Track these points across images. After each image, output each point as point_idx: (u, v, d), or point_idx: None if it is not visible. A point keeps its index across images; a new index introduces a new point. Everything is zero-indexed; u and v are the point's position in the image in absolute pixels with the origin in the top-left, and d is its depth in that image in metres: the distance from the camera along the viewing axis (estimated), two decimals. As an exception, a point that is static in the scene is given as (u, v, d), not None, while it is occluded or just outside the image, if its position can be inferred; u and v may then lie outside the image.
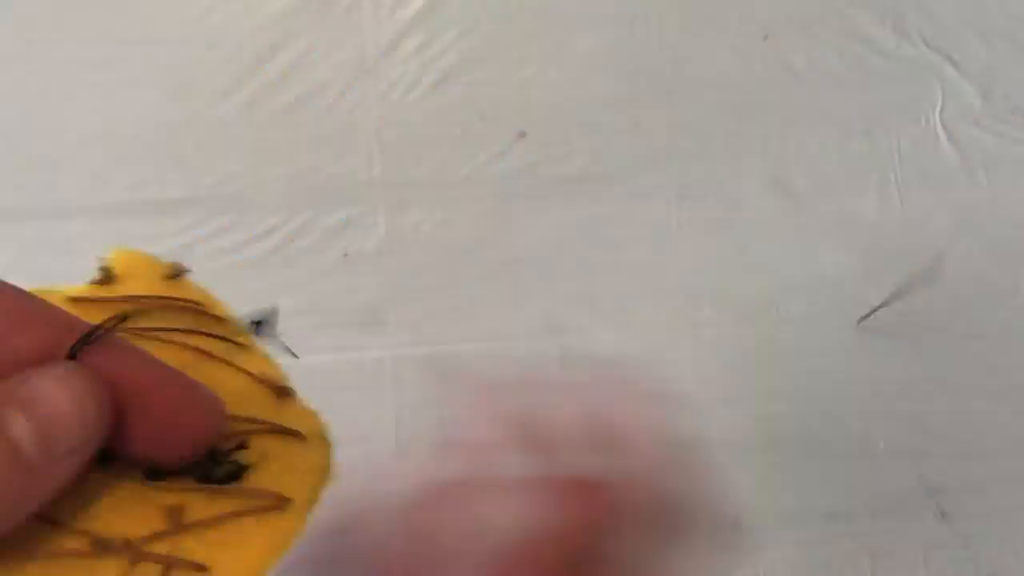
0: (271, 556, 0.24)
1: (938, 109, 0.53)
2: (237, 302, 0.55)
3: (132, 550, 0.22)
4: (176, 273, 0.30)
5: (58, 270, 0.53)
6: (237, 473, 0.24)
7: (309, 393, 0.54)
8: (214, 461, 0.23)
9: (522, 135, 0.51)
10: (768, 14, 0.52)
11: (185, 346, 0.26)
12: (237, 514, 0.23)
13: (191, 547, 0.23)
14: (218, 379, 0.26)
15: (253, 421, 0.25)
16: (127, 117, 0.50)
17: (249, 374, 0.27)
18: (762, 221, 0.52)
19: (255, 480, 0.24)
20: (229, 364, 0.27)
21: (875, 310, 0.51)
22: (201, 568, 0.23)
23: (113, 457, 0.22)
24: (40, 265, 0.50)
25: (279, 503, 0.23)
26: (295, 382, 0.56)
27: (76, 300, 0.26)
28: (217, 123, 0.50)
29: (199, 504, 0.23)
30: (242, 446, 0.24)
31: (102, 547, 0.22)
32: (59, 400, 0.21)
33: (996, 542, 0.53)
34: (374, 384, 0.51)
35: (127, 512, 0.23)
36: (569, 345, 0.52)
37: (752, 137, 0.52)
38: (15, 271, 0.52)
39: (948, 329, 0.53)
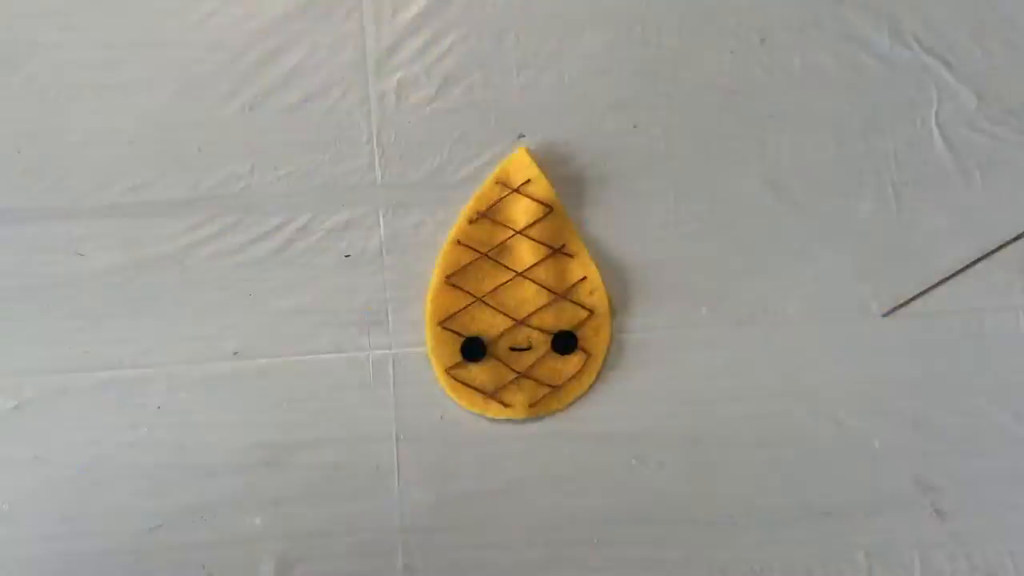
0: None
1: (933, 111, 0.53)
2: (240, 302, 0.55)
3: None
4: None
5: (63, 270, 0.54)
6: None
7: (312, 391, 0.54)
8: None
9: (521, 137, 0.51)
10: (765, 18, 0.52)
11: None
12: None
13: None
14: None
15: None
16: (131, 119, 0.50)
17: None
18: (759, 222, 0.52)
19: None
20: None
21: (902, 304, 0.51)
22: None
23: None
24: (44, 265, 0.50)
25: None
26: (298, 380, 0.56)
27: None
28: (220, 125, 0.51)
29: None
30: None
31: None
32: None
33: (991, 540, 0.53)
34: (375, 382, 0.51)
35: None
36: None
37: (749, 139, 0.52)
38: (20, 270, 0.52)
39: (944, 330, 0.53)
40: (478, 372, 0.50)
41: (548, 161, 0.51)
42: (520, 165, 0.50)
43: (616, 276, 0.52)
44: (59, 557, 0.49)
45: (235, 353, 0.51)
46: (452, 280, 0.50)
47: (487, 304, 0.50)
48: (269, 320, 0.51)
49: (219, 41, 0.51)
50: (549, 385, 0.51)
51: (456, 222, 0.50)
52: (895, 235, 0.53)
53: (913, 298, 0.53)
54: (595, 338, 0.51)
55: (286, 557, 0.51)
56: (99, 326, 0.51)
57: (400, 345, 0.51)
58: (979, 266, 0.53)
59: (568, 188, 0.51)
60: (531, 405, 0.51)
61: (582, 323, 0.51)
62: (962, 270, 0.53)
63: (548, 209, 0.50)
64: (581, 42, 0.51)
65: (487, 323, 0.50)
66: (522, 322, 0.50)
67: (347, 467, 0.51)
